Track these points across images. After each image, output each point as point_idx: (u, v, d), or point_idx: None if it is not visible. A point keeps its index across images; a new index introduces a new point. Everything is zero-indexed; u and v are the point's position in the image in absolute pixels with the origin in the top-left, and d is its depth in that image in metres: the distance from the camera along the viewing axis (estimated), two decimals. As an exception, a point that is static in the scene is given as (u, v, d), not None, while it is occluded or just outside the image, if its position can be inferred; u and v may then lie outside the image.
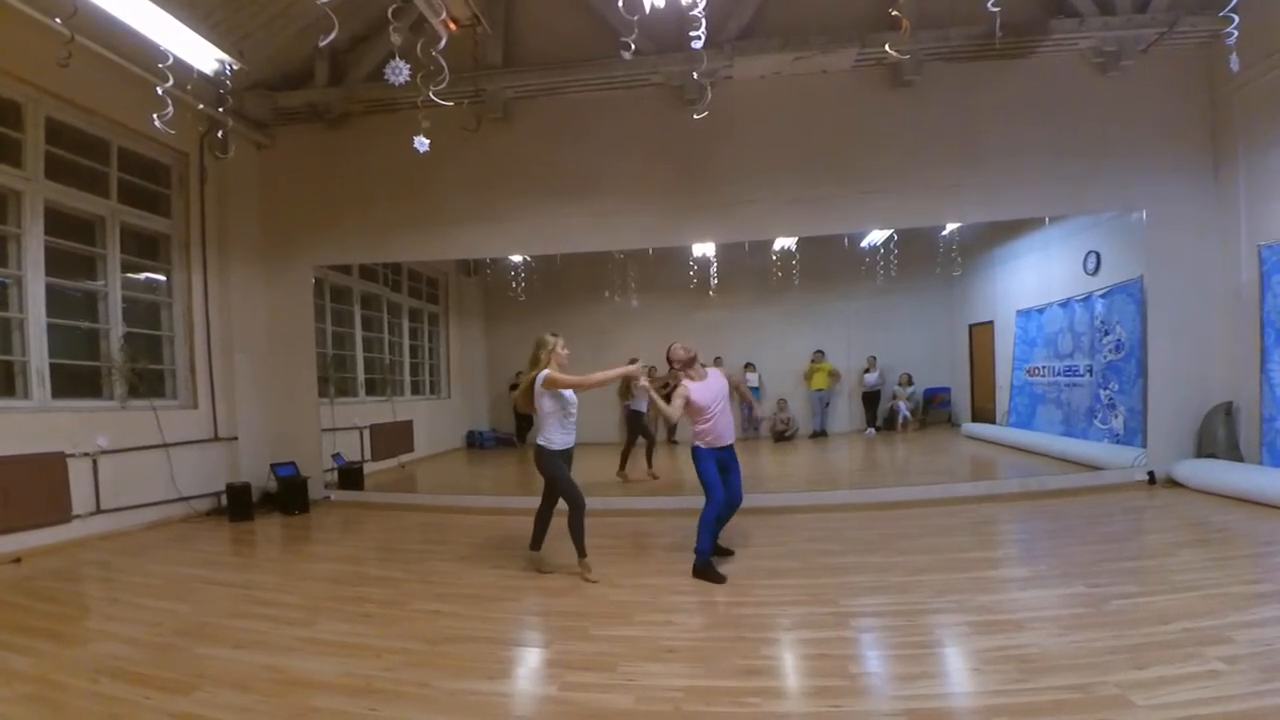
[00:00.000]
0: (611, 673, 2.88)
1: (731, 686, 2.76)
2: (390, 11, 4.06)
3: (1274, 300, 5.77)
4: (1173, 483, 6.23)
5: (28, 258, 5.29)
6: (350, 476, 7.56)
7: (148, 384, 6.28)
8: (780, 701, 2.59)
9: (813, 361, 10.18)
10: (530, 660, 3.15)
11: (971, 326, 10.13)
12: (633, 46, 3.97)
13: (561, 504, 4.39)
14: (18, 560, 4.74)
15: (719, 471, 4.26)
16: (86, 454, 5.51)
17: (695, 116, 5.33)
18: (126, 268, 6.23)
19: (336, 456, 7.61)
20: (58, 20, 4.35)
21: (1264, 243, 5.86)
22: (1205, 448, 6.25)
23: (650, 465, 7.82)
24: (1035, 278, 8.77)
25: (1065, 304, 8.09)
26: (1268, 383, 5.83)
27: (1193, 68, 6.39)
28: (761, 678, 2.81)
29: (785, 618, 3.42)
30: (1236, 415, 6.19)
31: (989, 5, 3.56)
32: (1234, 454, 6.10)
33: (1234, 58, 4.19)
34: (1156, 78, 6.36)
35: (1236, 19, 4.09)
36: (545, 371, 4.20)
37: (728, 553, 4.55)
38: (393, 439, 9.11)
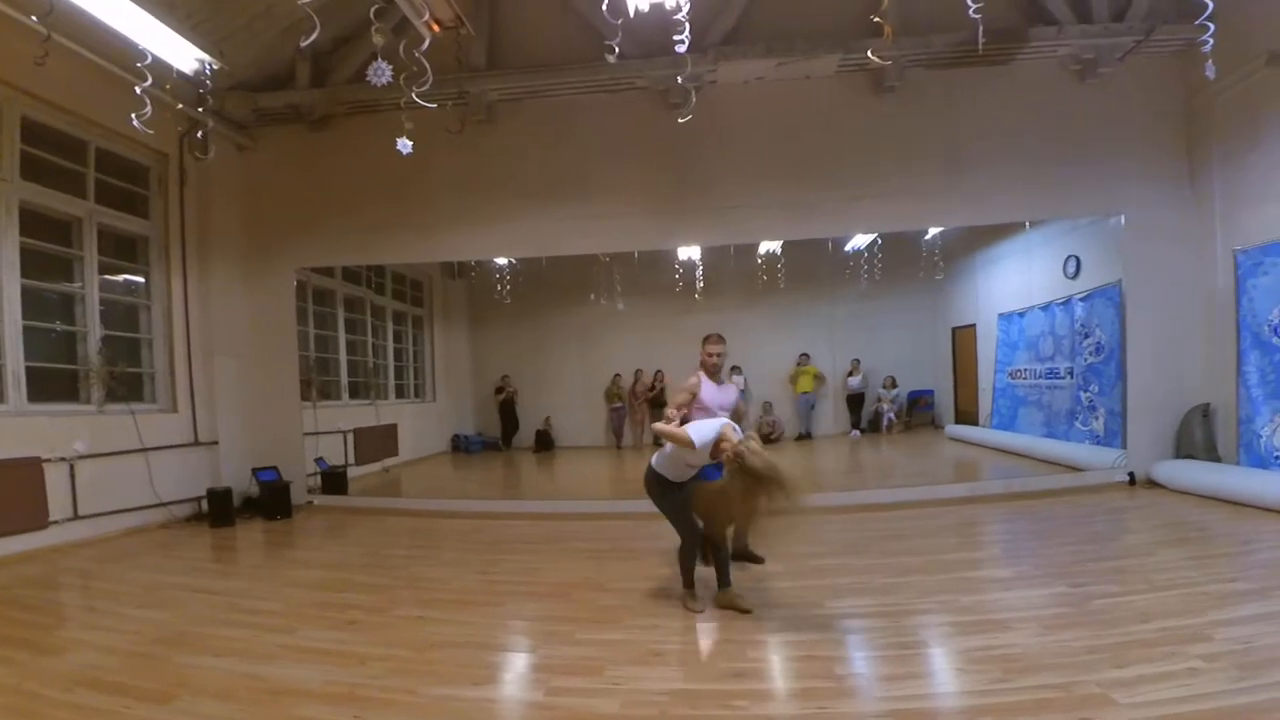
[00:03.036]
0: (598, 677, 2.86)
1: (718, 689, 2.75)
2: (373, 12, 4.03)
3: (1250, 304, 5.88)
4: (1152, 483, 6.32)
5: (2, 259, 5.19)
6: (334, 481, 7.48)
7: (126, 387, 6.17)
8: (767, 704, 2.59)
9: (798, 364, 10.25)
10: (517, 666, 3.13)
11: (954, 329, 10.24)
12: (617, 50, 3.98)
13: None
14: (-9, 568, 4.65)
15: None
16: (64, 459, 5.40)
17: (680, 120, 5.35)
18: (104, 269, 6.13)
19: (319, 461, 7.54)
20: (33, 18, 4.30)
21: (1239, 247, 5.97)
22: (1184, 449, 6.34)
23: None
24: (1016, 281, 8.88)
25: (1046, 307, 8.20)
26: (1244, 384, 5.93)
27: (1169, 75, 6.50)
28: (748, 680, 2.81)
29: (771, 620, 3.43)
30: (1214, 417, 6.29)
31: (970, 12, 3.59)
32: (1212, 455, 6.20)
33: (1209, 65, 4.26)
34: (1134, 85, 6.47)
35: (1212, 27, 4.16)
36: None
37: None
38: (377, 443, 9.04)
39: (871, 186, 6.62)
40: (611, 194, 6.88)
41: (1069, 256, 7.82)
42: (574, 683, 2.82)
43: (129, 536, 5.81)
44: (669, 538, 4.96)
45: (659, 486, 3.68)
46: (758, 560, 4.32)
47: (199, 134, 6.09)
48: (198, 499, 6.57)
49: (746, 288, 9.51)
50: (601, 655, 3.09)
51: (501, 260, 8.97)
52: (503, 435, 10.88)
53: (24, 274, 5.34)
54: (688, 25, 3.70)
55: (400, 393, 10.20)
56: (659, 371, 10.03)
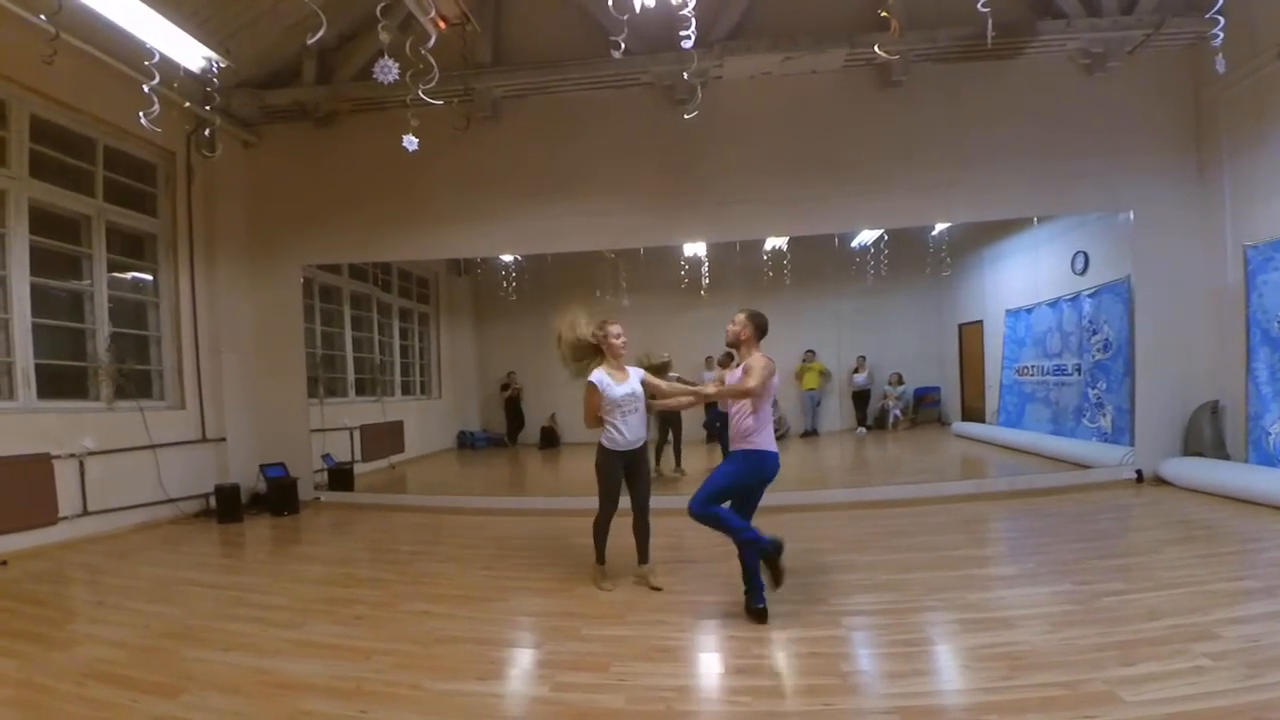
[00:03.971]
0: (603, 673, 2.87)
1: (723, 685, 2.76)
2: (379, 9, 4.03)
3: (1259, 300, 5.83)
4: (1160, 481, 6.28)
5: (12, 257, 5.23)
6: (340, 477, 7.51)
7: (134, 384, 6.22)
8: (772, 700, 2.60)
9: (803, 361, 10.20)
10: (522, 661, 3.14)
11: (961, 326, 10.17)
12: (622, 46, 3.97)
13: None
14: (3, 563, 4.68)
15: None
16: (73, 455, 5.45)
17: (685, 116, 5.34)
18: (113, 267, 6.18)
19: (326, 457, 7.57)
20: (42, 17, 4.32)
21: (1249, 243, 5.92)
22: (1192, 446, 6.30)
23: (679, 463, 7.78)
24: (1024, 278, 8.82)
25: (1054, 304, 8.15)
26: (1253, 381, 5.88)
27: (1178, 69, 6.44)
28: (753, 676, 2.81)
29: (776, 616, 3.42)
30: (1222, 414, 6.25)
31: (979, 6, 3.57)
32: (1220, 452, 6.16)
33: (1219, 59, 4.23)
34: (1143, 79, 6.41)
35: (1222, 21, 4.13)
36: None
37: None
38: (383, 439, 9.06)
39: (877, 182, 6.60)
40: (616, 190, 6.87)
41: (1077, 252, 7.77)
42: (579, 678, 2.83)
43: (138, 532, 5.85)
44: (672, 533, 4.98)
45: (601, 457, 3.98)
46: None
47: (206, 132, 6.10)
48: (206, 495, 6.62)
49: (752, 284, 9.46)
50: (607, 651, 3.10)
51: (507, 257, 8.97)
52: (508, 432, 10.88)
53: (33, 272, 5.38)
54: (693, 20, 3.69)
55: (406, 389, 10.21)
56: (663, 368, 10.01)
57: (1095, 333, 7.37)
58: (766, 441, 3.54)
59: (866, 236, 8.56)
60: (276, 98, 6.85)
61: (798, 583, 3.96)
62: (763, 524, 5.41)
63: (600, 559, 4.16)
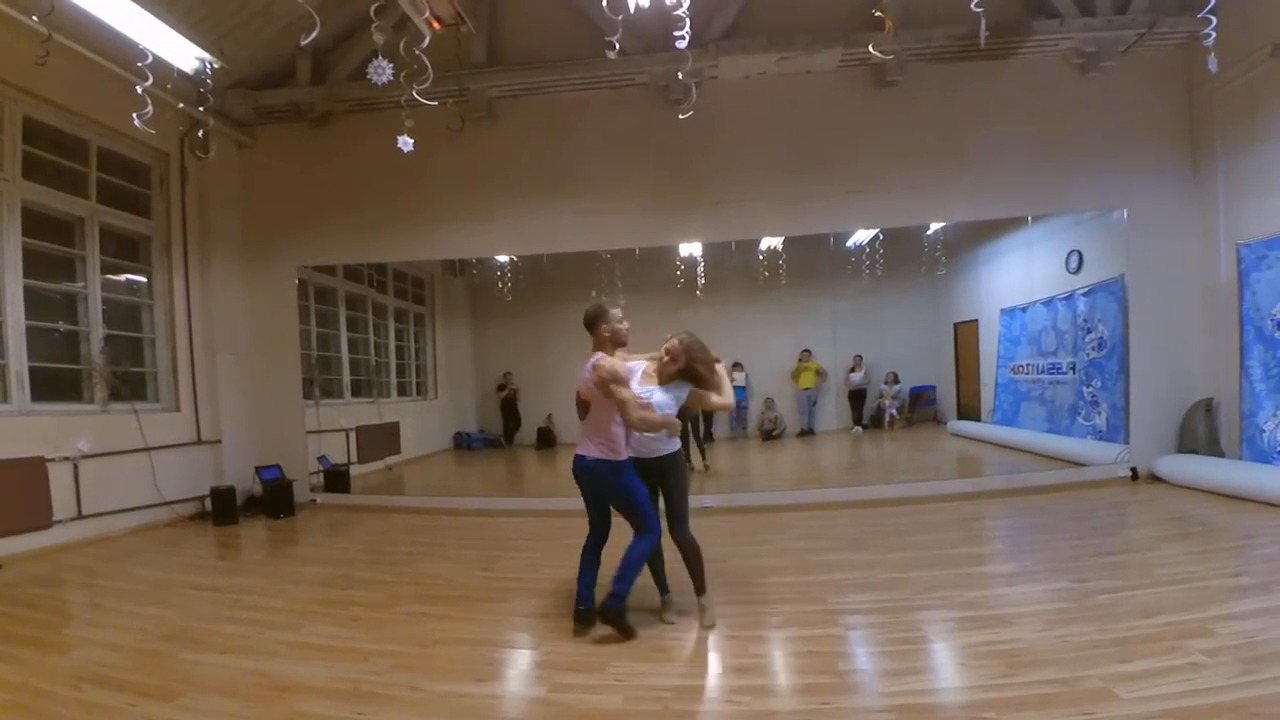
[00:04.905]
0: (601, 673, 2.87)
1: (721, 685, 2.76)
2: (373, 10, 4.02)
3: (1253, 298, 5.86)
4: (1155, 478, 6.31)
5: (5, 259, 5.20)
6: (336, 479, 7.49)
7: (129, 387, 6.19)
8: (770, 700, 2.60)
9: (800, 361, 10.22)
10: (520, 662, 3.14)
11: (956, 325, 10.21)
12: (617, 46, 3.96)
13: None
14: (-3, 566, 4.67)
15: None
16: (67, 458, 5.42)
17: (681, 116, 5.33)
18: (106, 269, 6.14)
19: (322, 459, 7.55)
20: (34, 18, 4.29)
21: (1242, 241, 5.94)
22: (1187, 443, 6.33)
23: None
24: (1019, 276, 8.85)
25: (1048, 302, 8.17)
26: (1247, 379, 5.91)
27: (1172, 69, 6.47)
28: (750, 676, 2.82)
29: (774, 616, 3.43)
30: (1217, 411, 6.27)
31: (972, 6, 3.58)
32: (1215, 449, 6.18)
33: (1212, 59, 4.23)
34: (1136, 79, 6.44)
35: (1214, 20, 4.14)
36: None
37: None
38: (379, 441, 9.04)
39: (873, 181, 6.61)
40: (612, 190, 6.87)
41: (1071, 251, 7.80)
42: (577, 679, 2.83)
43: (133, 535, 5.83)
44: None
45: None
46: None
47: (200, 132, 6.09)
48: (201, 498, 6.59)
49: (748, 284, 9.49)
50: (604, 651, 3.10)
51: (502, 258, 8.96)
52: (505, 433, 10.88)
53: (26, 274, 5.35)
54: (688, 20, 3.68)
55: (402, 390, 10.20)
56: (661, 368, 10.01)
57: (1090, 331, 7.39)
58: (582, 445, 3.38)
59: (862, 236, 8.58)
60: (271, 98, 6.83)
61: (794, 581, 3.97)
62: (761, 522, 5.46)
63: (661, 587, 3.60)
